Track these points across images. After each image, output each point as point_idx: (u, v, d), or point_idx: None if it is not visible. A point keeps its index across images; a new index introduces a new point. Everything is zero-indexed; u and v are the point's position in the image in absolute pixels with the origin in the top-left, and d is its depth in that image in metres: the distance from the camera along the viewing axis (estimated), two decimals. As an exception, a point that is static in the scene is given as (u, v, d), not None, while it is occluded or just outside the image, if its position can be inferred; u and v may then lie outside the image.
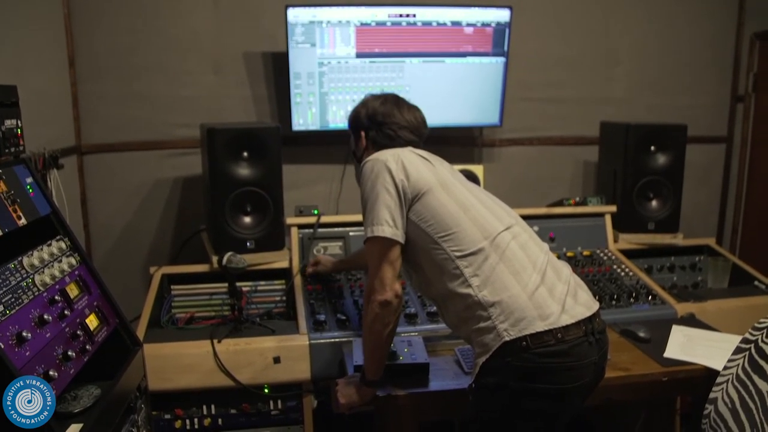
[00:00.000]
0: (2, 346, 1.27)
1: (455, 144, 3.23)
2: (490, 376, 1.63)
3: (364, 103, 1.99)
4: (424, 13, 2.92)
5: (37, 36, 2.48)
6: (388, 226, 1.71)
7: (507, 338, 1.58)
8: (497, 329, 1.60)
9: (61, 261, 1.65)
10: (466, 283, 1.66)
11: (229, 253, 2.28)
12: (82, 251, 1.77)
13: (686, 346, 2.13)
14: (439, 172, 1.80)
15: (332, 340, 2.21)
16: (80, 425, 1.41)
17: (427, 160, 1.83)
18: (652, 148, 2.93)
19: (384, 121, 1.92)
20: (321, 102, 2.94)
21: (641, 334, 2.19)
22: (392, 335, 1.80)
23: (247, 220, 2.57)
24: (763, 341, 1.52)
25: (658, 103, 3.43)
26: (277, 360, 2.18)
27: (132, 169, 2.98)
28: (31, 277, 1.50)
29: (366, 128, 1.96)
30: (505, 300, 1.62)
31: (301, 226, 2.69)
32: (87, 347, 1.56)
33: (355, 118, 2.01)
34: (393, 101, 1.96)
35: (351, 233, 2.70)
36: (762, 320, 1.57)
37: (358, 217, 2.72)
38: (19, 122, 1.69)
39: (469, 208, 1.74)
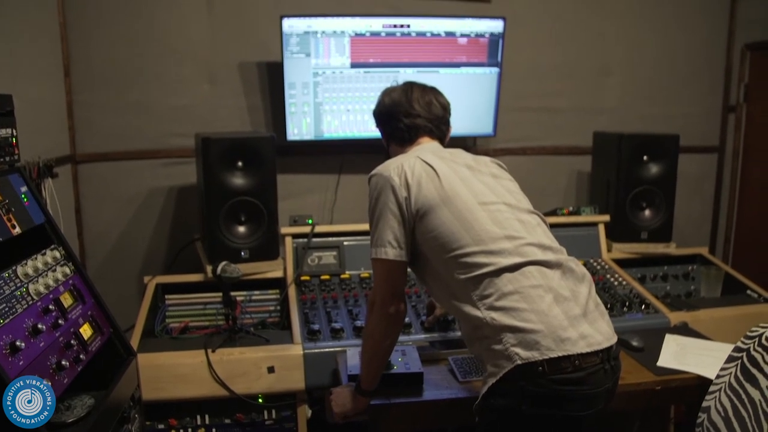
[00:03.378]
0: (-4, 356, 1.27)
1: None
2: (500, 397, 1.57)
3: (379, 99, 1.95)
4: (418, 24, 2.94)
5: (32, 45, 2.49)
6: (392, 247, 1.68)
7: (519, 362, 1.52)
8: (509, 352, 1.54)
9: (55, 270, 1.65)
10: (474, 306, 1.60)
11: (224, 263, 2.28)
12: (76, 260, 1.77)
13: (679, 354, 2.13)
14: (446, 183, 1.70)
15: (326, 349, 2.21)
16: (74, 435, 1.41)
17: (433, 169, 1.72)
18: (645, 157, 2.95)
19: (394, 114, 1.88)
20: (315, 112, 2.95)
21: (634, 343, 2.19)
22: (391, 348, 1.80)
23: (242, 229, 2.57)
24: (755, 350, 1.53)
25: (650, 113, 3.45)
26: (271, 370, 2.17)
27: (126, 178, 2.98)
28: (25, 286, 1.50)
29: (382, 124, 1.94)
30: (517, 324, 1.54)
31: (295, 236, 2.69)
32: (81, 357, 1.56)
33: (374, 115, 1.97)
34: (403, 89, 1.90)
35: (345, 243, 2.70)
36: (754, 329, 1.58)
37: (353, 227, 2.76)
38: (14, 131, 1.70)
39: (473, 224, 1.64)
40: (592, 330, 1.58)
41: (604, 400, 1.61)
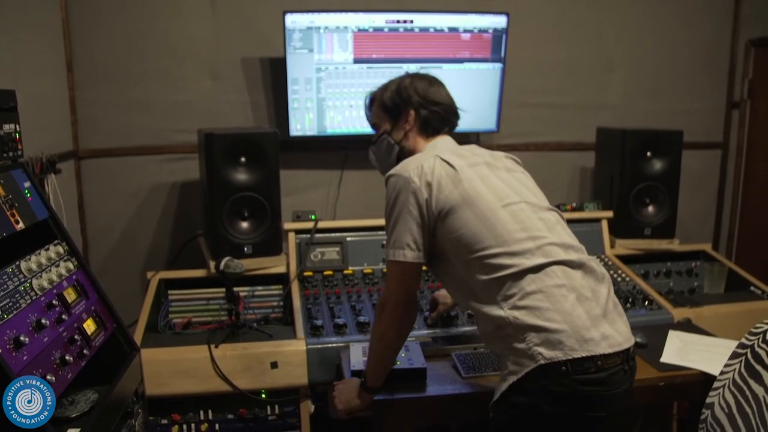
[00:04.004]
0: (0, 351, 1.27)
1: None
2: (520, 395, 1.57)
3: (397, 86, 1.85)
4: (421, 20, 2.93)
5: (35, 41, 2.49)
6: (410, 249, 1.66)
7: (543, 362, 1.52)
8: (532, 352, 1.53)
9: (58, 265, 1.65)
10: (497, 306, 1.59)
11: (227, 258, 2.28)
12: (79, 256, 1.77)
13: (683, 351, 2.13)
14: (467, 183, 1.67)
15: (329, 345, 2.21)
16: (77, 430, 1.41)
17: (454, 169, 1.69)
18: (649, 153, 2.94)
19: (423, 104, 1.82)
20: (318, 107, 2.95)
21: (638, 340, 2.18)
22: (401, 346, 1.80)
23: (245, 225, 2.57)
24: (759, 346, 1.52)
25: (654, 109, 3.44)
26: (274, 365, 2.17)
27: (129, 174, 2.98)
28: (29, 281, 1.50)
29: (400, 113, 1.84)
30: (541, 324, 1.54)
31: (298, 232, 2.69)
32: (84, 352, 1.56)
33: (397, 93, 1.84)
34: (425, 78, 1.86)
35: (348, 238, 2.70)
36: (758, 325, 1.57)
37: (356, 223, 2.76)
38: (17, 127, 1.70)
39: (496, 225, 1.62)
40: (612, 330, 1.58)
41: (622, 401, 1.61)
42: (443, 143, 1.83)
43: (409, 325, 1.76)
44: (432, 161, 1.69)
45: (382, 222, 2.70)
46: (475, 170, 1.72)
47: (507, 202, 1.68)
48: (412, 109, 1.83)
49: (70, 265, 1.70)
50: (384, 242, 1.90)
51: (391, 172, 1.73)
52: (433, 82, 1.87)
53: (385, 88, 1.90)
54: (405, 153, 1.85)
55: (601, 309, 1.60)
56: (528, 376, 1.54)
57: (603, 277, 1.68)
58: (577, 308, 1.56)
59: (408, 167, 1.70)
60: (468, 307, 1.74)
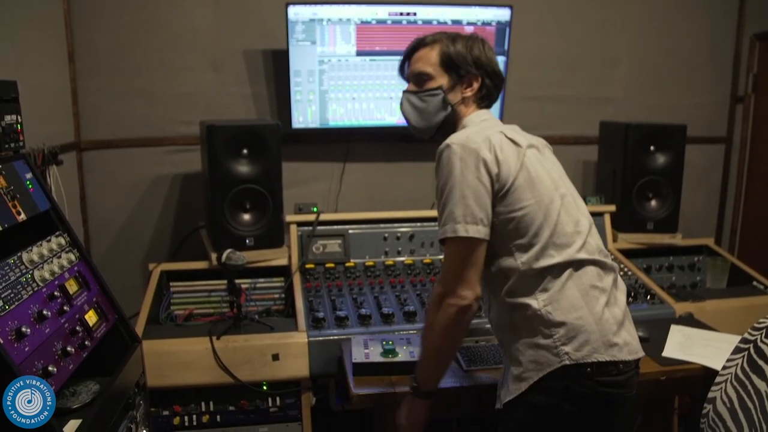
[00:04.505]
0: (1, 342, 1.27)
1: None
2: (540, 394, 1.53)
3: (475, 42, 1.69)
4: (424, 12, 2.91)
5: (37, 31, 2.48)
6: (483, 225, 1.52)
7: (568, 362, 1.50)
8: (558, 350, 1.51)
9: (60, 257, 1.65)
10: (532, 297, 1.54)
11: (229, 250, 2.28)
12: (81, 247, 1.77)
13: (685, 345, 2.13)
14: (531, 165, 1.59)
15: (331, 337, 2.21)
16: (79, 421, 1.41)
17: (519, 146, 1.59)
18: (652, 148, 2.93)
19: (492, 73, 1.69)
20: (321, 100, 2.94)
21: (640, 334, 2.15)
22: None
23: (247, 217, 2.57)
24: (762, 341, 1.52)
25: (657, 103, 3.43)
26: (275, 357, 2.18)
27: (131, 165, 2.98)
28: (31, 272, 1.50)
29: (483, 76, 1.69)
30: (571, 321, 1.51)
31: (300, 224, 2.69)
32: (86, 343, 1.56)
33: (470, 52, 1.68)
34: (488, 46, 1.71)
35: (350, 231, 2.70)
36: (761, 320, 1.57)
37: (358, 215, 2.76)
38: (19, 118, 1.69)
39: (551, 213, 1.56)
40: (630, 338, 1.60)
41: (634, 402, 1.63)
42: (492, 118, 1.72)
43: (474, 314, 1.58)
44: (498, 137, 1.58)
45: (384, 215, 2.75)
46: (532, 152, 1.64)
47: (562, 192, 1.63)
48: (480, 76, 1.69)
49: (72, 257, 1.70)
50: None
51: (451, 141, 1.57)
52: (492, 49, 1.73)
53: (452, 39, 1.70)
54: (454, 118, 1.71)
55: (622, 315, 1.60)
56: (551, 376, 1.52)
57: (622, 285, 1.68)
58: (606, 312, 1.55)
59: (474, 139, 1.56)
60: (490, 295, 1.65)
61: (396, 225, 2.74)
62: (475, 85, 1.69)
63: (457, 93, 1.70)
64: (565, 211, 1.60)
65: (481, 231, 1.53)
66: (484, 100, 1.73)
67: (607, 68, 3.38)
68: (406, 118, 1.78)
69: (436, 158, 1.60)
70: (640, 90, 3.42)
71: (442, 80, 1.69)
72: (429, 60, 1.70)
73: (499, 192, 1.55)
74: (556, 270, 1.55)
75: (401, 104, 1.78)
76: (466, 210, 1.52)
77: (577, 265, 1.56)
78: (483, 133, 1.58)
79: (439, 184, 1.57)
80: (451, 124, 1.71)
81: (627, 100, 3.41)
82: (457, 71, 1.68)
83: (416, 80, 1.73)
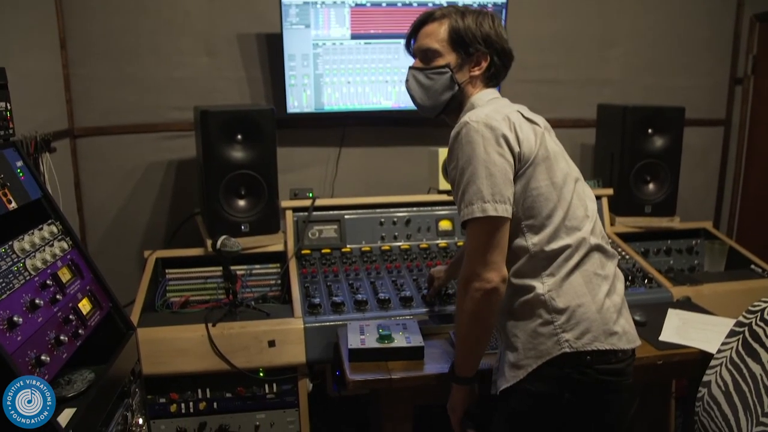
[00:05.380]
0: (-6, 333, 1.27)
1: (450, 126, 3.20)
2: (539, 382, 1.53)
3: (485, 17, 1.65)
4: (420, -6, 2.88)
5: (26, 17, 2.45)
6: (509, 203, 1.49)
7: (567, 350, 1.50)
8: (558, 337, 1.51)
9: (52, 245, 1.64)
10: (538, 279, 1.53)
11: (224, 237, 2.27)
12: (74, 235, 1.75)
13: (682, 329, 2.13)
14: (549, 146, 1.57)
15: (327, 323, 2.20)
16: (74, 410, 1.41)
17: (537, 127, 1.58)
18: (650, 130, 2.91)
19: (502, 51, 1.66)
20: (316, 84, 2.91)
21: (637, 318, 2.18)
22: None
23: (242, 203, 2.56)
24: (756, 324, 1.51)
25: (655, 85, 3.40)
26: (272, 343, 2.17)
27: (125, 152, 2.96)
28: (22, 261, 1.49)
29: (493, 54, 1.65)
30: (574, 308, 1.51)
31: (296, 209, 2.67)
32: (80, 331, 1.56)
33: (479, 28, 1.63)
34: (498, 20, 1.67)
35: (346, 216, 2.69)
36: (756, 303, 1.56)
37: (353, 200, 2.74)
38: (8, 105, 1.67)
39: (566, 195, 1.55)
40: (628, 326, 1.60)
41: (629, 391, 1.65)
42: (500, 97, 1.69)
43: (502, 295, 1.52)
44: (516, 116, 1.56)
45: (380, 199, 2.73)
46: (547, 133, 1.62)
47: (575, 175, 1.62)
48: (489, 55, 1.66)
49: (65, 245, 1.69)
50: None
51: (469, 119, 1.52)
52: (502, 25, 1.68)
53: (461, 14, 1.64)
54: (461, 97, 1.68)
55: (621, 303, 1.61)
56: (551, 363, 1.52)
57: (620, 272, 1.68)
58: (607, 300, 1.56)
59: (494, 116, 1.52)
60: None
61: (392, 210, 2.73)
62: (484, 64, 1.66)
63: (465, 72, 1.66)
64: (577, 194, 1.59)
65: (508, 210, 1.49)
66: (492, 79, 1.70)
67: (605, 50, 3.35)
68: (411, 96, 1.74)
69: (451, 137, 1.56)
70: (637, 72, 3.40)
71: (450, 58, 1.65)
72: (437, 36, 1.65)
73: (519, 171, 1.53)
74: (566, 253, 1.54)
75: (407, 80, 1.74)
76: (495, 188, 1.48)
77: (585, 249, 1.56)
78: (501, 111, 1.55)
79: (460, 164, 1.52)
80: (458, 102, 1.68)
81: (625, 82, 3.38)
82: (465, 49, 1.64)
83: (423, 57, 1.69)
